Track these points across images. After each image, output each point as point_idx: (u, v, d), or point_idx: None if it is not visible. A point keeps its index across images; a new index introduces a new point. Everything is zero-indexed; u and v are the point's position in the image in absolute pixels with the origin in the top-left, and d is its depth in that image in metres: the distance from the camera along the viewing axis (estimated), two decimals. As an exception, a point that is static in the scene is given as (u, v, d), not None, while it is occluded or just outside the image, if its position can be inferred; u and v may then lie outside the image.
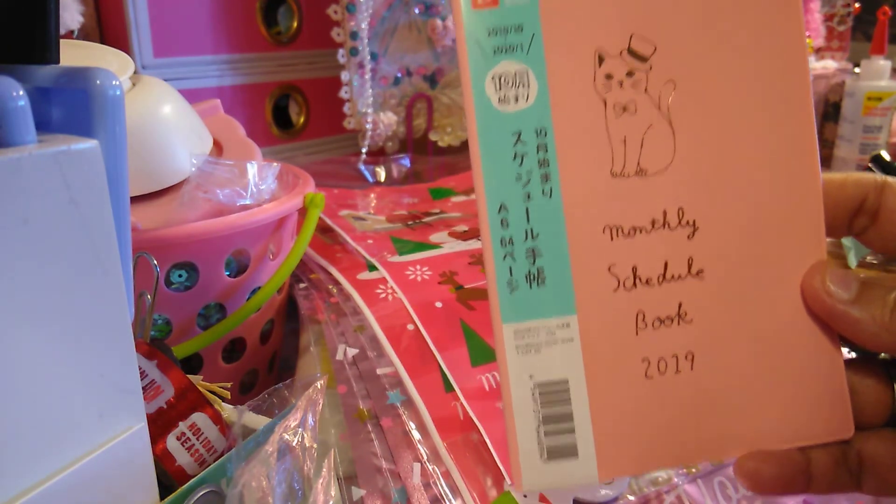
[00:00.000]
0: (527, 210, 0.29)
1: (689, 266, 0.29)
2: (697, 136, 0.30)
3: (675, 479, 0.37)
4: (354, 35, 0.78)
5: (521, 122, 0.29)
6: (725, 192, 0.30)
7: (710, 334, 0.29)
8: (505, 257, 0.29)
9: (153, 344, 0.32)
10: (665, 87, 0.30)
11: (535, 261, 0.29)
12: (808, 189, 0.30)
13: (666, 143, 0.30)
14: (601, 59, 0.30)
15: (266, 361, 0.51)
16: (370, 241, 0.54)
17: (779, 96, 0.30)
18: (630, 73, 0.30)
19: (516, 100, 0.29)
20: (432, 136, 0.88)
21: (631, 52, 0.30)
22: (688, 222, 0.30)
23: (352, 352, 0.42)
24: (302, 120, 0.86)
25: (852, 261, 0.55)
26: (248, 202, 0.44)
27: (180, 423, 0.30)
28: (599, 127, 0.29)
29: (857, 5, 1.19)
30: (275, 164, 0.47)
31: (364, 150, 0.82)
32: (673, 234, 0.29)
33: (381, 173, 0.82)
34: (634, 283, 0.29)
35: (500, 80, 0.29)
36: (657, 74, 0.30)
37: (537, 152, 0.29)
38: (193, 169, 0.45)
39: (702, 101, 0.30)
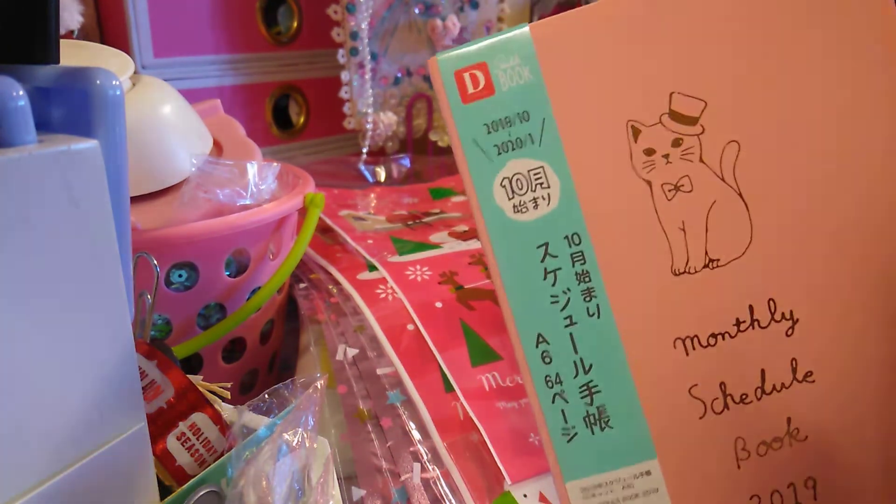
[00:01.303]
0: (571, 338, 0.24)
1: (794, 369, 0.23)
2: (779, 205, 0.23)
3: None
4: (354, 35, 0.78)
5: (546, 231, 0.24)
6: (825, 270, 0.23)
7: (830, 451, 0.23)
8: (554, 399, 0.23)
9: (153, 344, 0.32)
10: (727, 149, 0.24)
11: (592, 399, 0.23)
12: None
13: (739, 220, 0.24)
14: (636, 132, 0.24)
15: (266, 361, 0.51)
16: (370, 241, 0.54)
17: (874, 136, 0.23)
18: (677, 142, 0.24)
19: (535, 205, 0.24)
20: (432, 136, 0.88)
21: (674, 114, 0.24)
22: (783, 315, 0.23)
23: (352, 352, 0.42)
24: (302, 120, 0.86)
25: None
26: (248, 202, 0.44)
27: (180, 423, 0.30)
28: (648, 217, 0.24)
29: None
30: (275, 164, 0.47)
31: (364, 150, 0.82)
32: (766, 332, 0.23)
33: (381, 173, 0.82)
34: (726, 405, 0.23)
35: (511, 184, 0.24)
36: (713, 137, 0.23)
37: (573, 265, 0.24)
38: (193, 169, 0.45)
39: (778, 161, 0.23)
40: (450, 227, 0.58)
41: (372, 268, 0.49)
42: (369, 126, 0.81)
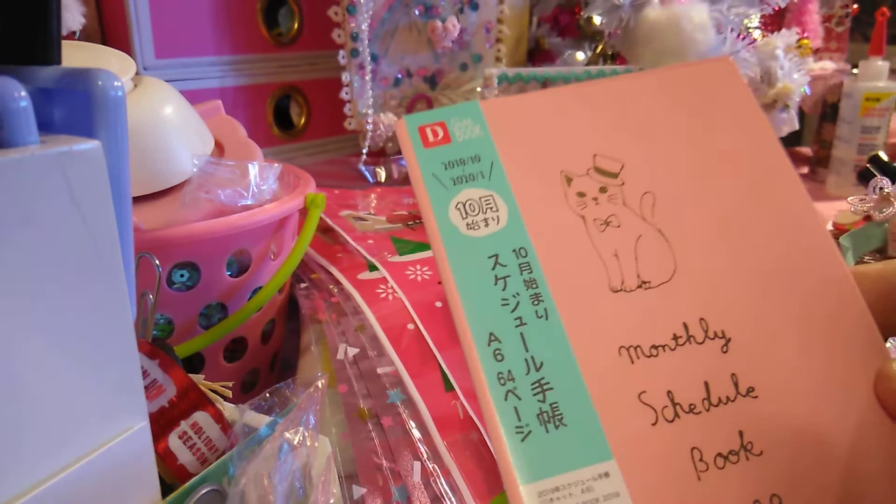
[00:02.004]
0: (522, 337, 0.25)
1: (736, 384, 0.24)
2: (696, 240, 0.27)
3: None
4: (355, 36, 0.78)
5: (495, 244, 0.26)
6: (747, 293, 0.26)
7: (791, 467, 0.23)
8: (507, 396, 0.23)
9: (155, 343, 0.32)
10: (644, 198, 0.28)
11: (545, 396, 0.24)
12: (835, 278, 0.26)
13: (662, 251, 0.27)
14: (569, 180, 0.28)
15: (267, 361, 0.51)
16: (370, 242, 0.54)
17: (766, 186, 0.28)
18: (603, 189, 0.28)
19: (486, 223, 0.27)
20: (433, 137, 0.88)
21: (598, 170, 0.28)
22: (716, 333, 0.25)
23: (352, 351, 0.43)
24: (303, 121, 0.86)
25: (850, 260, 0.55)
26: (249, 202, 0.44)
27: (182, 422, 0.30)
28: (584, 243, 0.27)
29: (855, 6, 1.20)
30: (276, 164, 0.48)
31: (364, 151, 0.82)
32: (703, 348, 0.25)
33: (382, 174, 0.82)
34: (676, 413, 0.24)
35: (464, 207, 0.27)
36: (632, 188, 0.28)
37: (521, 273, 0.26)
38: (195, 169, 0.45)
39: (689, 207, 0.27)
40: (450, 227, 0.58)
41: (372, 268, 0.49)
42: (370, 127, 0.81)
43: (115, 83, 0.23)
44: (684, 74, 0.30)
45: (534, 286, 0.26)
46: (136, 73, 0.46)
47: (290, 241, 0.49)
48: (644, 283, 0.26)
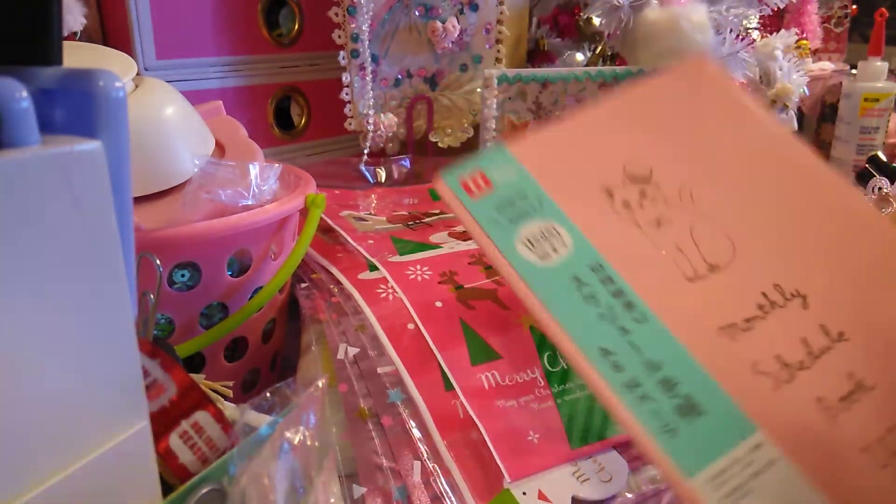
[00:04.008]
0: (631, 343, 0.26)
1: (827, 333, 0.27)
2: (739, 216, 0.29)
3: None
4: (355, 37, 0.78)
5: (571, 267, 0.28)
6: (803, 251, 0.28)
7: None
8: (641, 401, 0.25)
9: (156, 343, 0.32)
10: (682, 193, 0.30)
11: (675, 391, 0.25)
12: (861, 213, 0.30)
13: (716, 234, 0.29)
14: (610, 193, 0.30)
15: (268, 360, 0.51)
16: (371, 242, 0.54)
17: (776, 153, 0.31)
18: (643, 194, 0.30)
19: (555, 250, 0.28)
20: (432, 138, 0.88)
21: (631, 178, 0.30)
22: (792, 294, 0.28)
23: (353, 351, 0.43)
24: (303, 121, 0.86)
25: None
26: (249, 203, 0.44)
27: (183, 422, 0.30)
28: (647, 246, 0.29)
29: (854, 7, 1.20)
30: (276, 164, 0.48)
31: (365, 151, 0.82)
32: (787, 310, 0.27)
33: (382, 174, 0.82)
34: (790, 374, 0.26)
35: (530, 241, 0.29)
36: (666, 186, 0.30)
37: (604, 287, 0.27)
38: (196, 170, 0.45)
39: (721, 189, 0.30)
40: (450, 228, 0.58)
41: (373, 268, 0.49)
42: (370, 127, 0.81)
43: (117, 84, 0.23)
44: (667, 80, 0.33)
45: (621, 296, 0.27)
46: (137, 74, 0.47)
47: (291, 242, 0.49)
48: (713, 266, 0.28)
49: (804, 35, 1.09)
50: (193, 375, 0.32)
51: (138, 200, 0.43)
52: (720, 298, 0.28)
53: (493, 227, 0.29)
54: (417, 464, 0.37)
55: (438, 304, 0.45)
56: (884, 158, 0.68)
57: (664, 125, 0.32)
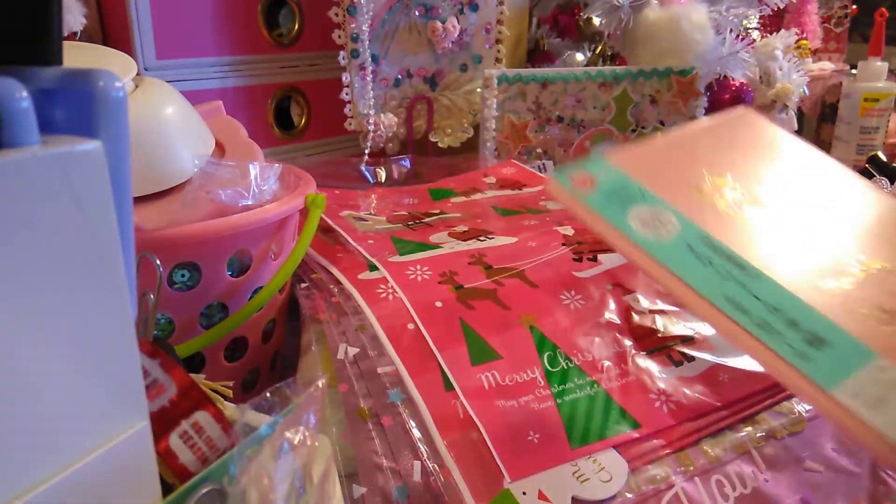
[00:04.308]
0: (751, 294, 0.31)
1: None
2: (807, 209, 0.36)
3: (673, 478, 0.38)
4: (355, 37, 0.78)
5: (684, 240, 0.33)
6: (862, 228, 0.36)
7: None
8: (772, 336, 0.29)
9: (156, 343, 0.32)
10: (756, 192, 0.36)
11: (798, 326, 0.30)
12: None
13: (800, 214, 0.35)
14: (698, 188, 0.36)
15: (268, 360, 0.52)
16: (371, 242, 0.54)
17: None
18: (722, 188, 0.36)
19: (666, 229, 0.33)
20: (432, 138, 0.88)
21: (712, 179, 0.36)
22: (878, 267, 0.33)
23: (353, 351, 0.43)
24: (303, 121, 0.86)
25: None
26: (249, 203, 0.44)
27: (183, 422, 0.30)
28: (742, 222, 0.34)
29: (853, 7, 1.20)
30: (276, 164, 0.48)
31: (365, 152, 0.82)
32: (876, 275, 0.32)
33: (382, 174, 0.82)
34: (893, 318, 0.31)
35: (642, 222, 0.33)
36: (744, 185, 0.36)
37: (716, 253, 0.32)
38: (196, 170, 0.45)
39: (787, 192, 0.37)
40: (450, 228, 0.58)
41: (373, 268, 0.49)
42: (370, 127, 0.81)
43: (117, 84, 0.23)
44: (719, 120, 0.41)
45: (732, 259, 0.32)
46: (137, 74, 0.47)
47: (291, 241, 0.49)
48: (804, 233, 0.34)
49: (804, 35, 1.09)
50: (193, 375, 0.32)
51: (138, 200, 0.43)
52: (817, 260, 0.33)
53: (607, 211, 0.33)
54: (417, 464, 0.37)
55: (438, 304, 0.45)
56: (884, 158, 0.68)
57: (727, 145, 0.39)
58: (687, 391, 0.42)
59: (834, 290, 0.31)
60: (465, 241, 0.54)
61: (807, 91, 0.95)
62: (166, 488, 0.28)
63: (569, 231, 0.55)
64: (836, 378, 0.28)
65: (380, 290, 0.46)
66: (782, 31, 0.94)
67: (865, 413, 0.27)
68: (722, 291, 0.31)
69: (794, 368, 0.28)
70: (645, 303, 0.47)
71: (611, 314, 0.46)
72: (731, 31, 0.85)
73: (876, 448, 0.27)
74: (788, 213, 0.36)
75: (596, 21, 0.90)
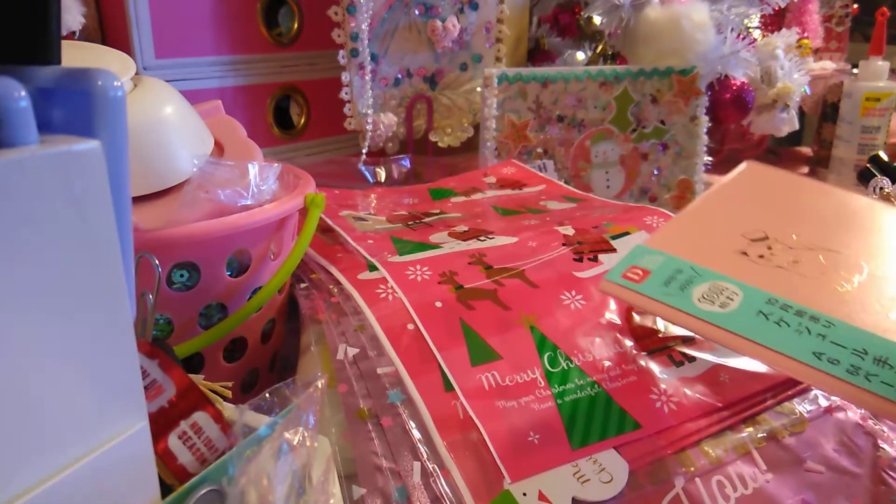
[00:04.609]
0: (833, 343, 0.33)
1: None
2: (840, 236, 0.40)
3: (674, 478, 0.38)
4: (355, 36, 0.78)
5: (752, 306, 0.35)
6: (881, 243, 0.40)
7: None
8: (868, 378, 0.32)
9: (155, 343, 0.32)
10: (798, 239, 0.39)
11: (887, 363, 0.32)
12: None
13: (839, 255, 0.38)
14: (744, 252, 0.38)
15: (267, 361, 0.51)
16: (370, 242, 0.54)
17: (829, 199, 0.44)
18: (770, 248, 0.38)
19: (731, 300, 0.35)
20: (432, 137, 0.88)
21: (752, 241, 0.39)
22: None
23: (352, 351, 0.43)
24: (303, 121, 0.86)
25: None
26: (249, 202, 0.44)
27: (182, 422, 0.30)
28: (796, 277, 0.37)
29: (855, 6, 1.20)
30: (276, 164, 0.48)
31: (364, 151, 0.82)
32: None
33: (382, 174, 0.82)
34: None
35: (706, 298, 0.35)
36: (783, 239, 0.39)
37: (786, 311, 0.34)
38: (195, 169, 0.45)
39: (817, 228, 0.40)
40: (450, 228, 0.58)
41: (372, 268, 0.49)
42: (369, 127, 0.81)
43: (115, 83, 0.23)
44: (734, 179, 0.45)
45: (804, 314, 0.34)
46: (136, 73, 0.47)
47: (290, 241, 0.49)
48: (849, 270, 0.37)
49: (805, 34, 1.09)
50: (192, 376, 0.32)
51: (137, 200, 0.43)
52: (871, 291, 0.36)
53: (669, 297, 0.35)
54: (417, 464, 0.37)
55: (438, 304, 0.45)
56: (885, 158, 0.68)
57: (753, 203, 0.42)
58: (688, 391, 0.41)
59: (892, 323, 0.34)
60: (465, 241, 0.54)
61: (808, 90, 0.95)
62: (165, 489, 0.28)
63: (569, 231, 0.55)
64: None
65: (379, 291, 0.46)
66: (783, 30, 0.94)
67: None
68: (806, 347, 0.33)
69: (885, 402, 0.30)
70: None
71: (611, 314, 0.46)
72: (732, 30, 0.85)
73: None
74: (831, 252, 0.38)
75: (597, 20, 0.89)
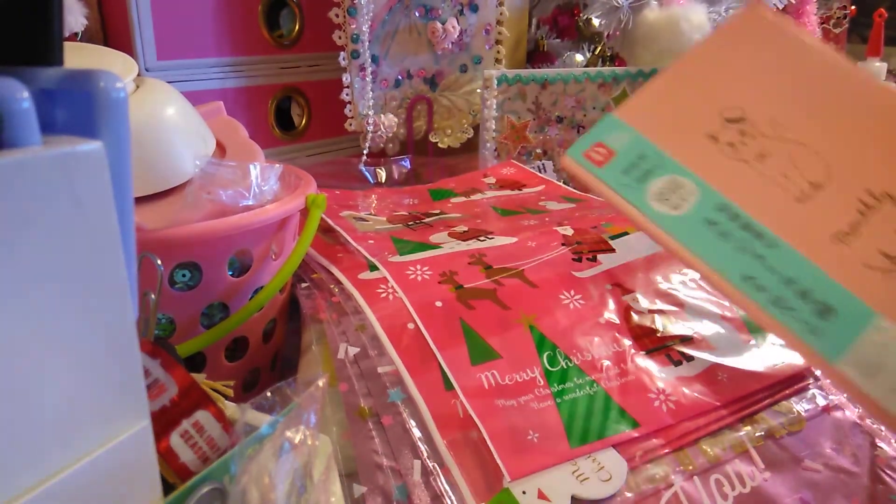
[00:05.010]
0: (767, 267, 0.32)
1: None
2: (824, 136, 0.34)
3: (673, 477, 0.38)
4: (355, 38, 0.78)
5: (702, 212, 0.33)
6: (881, 153, 0.33)
7: None
8: (787, 312, 0.30)
9: (157, 343, 0.32)
10: (773, 124, 0.35)
11: (810, 297, 0.31)
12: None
13: (811, 156, 0.34)
14: (714, 139, 0.35)
15: (268, 360, 0.52)
16: (371, 242, 0.54)
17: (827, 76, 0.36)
18: (742, 132, 0.35)
19: (685, 200, 0.33)
20: (432, 138, 0.88)
21: (728, 121, 0.35)
22: (884, 194, 0.32)
23: (353, 350, 0.43)
24: (304, 122, 0.86)
25: None
26: (250, 203, 0.44)
27: (184, 421, 0.31)
28: (757, 178, 0.34)
29: (852, 8, 1.20)
30: (277, 165, 0.48)
31: (365, 152, 0.82)
32: (881, 210, 0.32)
33: (382, 174, 0.82)
34: (895, 264, 0.31)
35: (660, 195, 0.33)
36: (759, 121, 0.35)
37: (734, 222, 0.32)
38: (197, 170, 0.45)
39: (799, 115, 0.35)
40: (450, 228, 0.58)
41: (373, 268, 0.50)
42: (370, 128, 0.81)
43: (118, 84, 0.23)
44: (732, 29, 0.38)
45: (750, 228, 0.32)
46: (138, 75, 0.47)
47: (291, 242, 0.50)
48: (815, 184, 0.33)
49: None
50: (194, 375, 0.32)
51: (139, 201, 0.43)
52: (827, 211, 0.33)
53: (624, 189, 0.34)
54: (417, 463, 0.37)
55: (438, 304, 0.45)
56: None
57: (742, 69, 0.36)
58: (686, 391, 0.42)
59: (843, 239, 0.32)
60: (465, 241, 0.55)
61: (807, 91, 0.95)
62: (167, 487, 0.28)
63: (568, 231, 0.55)
64: (840, 349, 0.29)
65: (380, 290, 0.47)
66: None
67: (864, 383, 0.28)
68: (739, 269, 0.32)
69: (805, 344, 0.29)
70: (644, 302, 0.47)
71: (610, 314, 0.46)
72: (730, 31, 0.85)
73: (879, 418, 0.29)
74: (802, 148, 0.35)
75: (595, 22, 0.90)
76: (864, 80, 0.36)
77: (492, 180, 0.75)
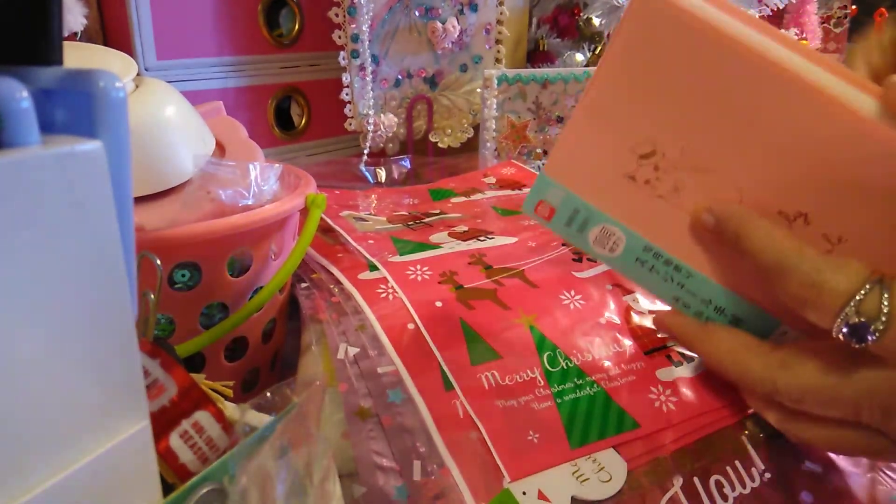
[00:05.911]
0: (688, 291, 0.40)
1: (828, 239, 0.35)
2: (736, 156, 0.36)
3: (673, 478, 0.38)
4: (355, 38, 0.78)
5: (632, 253, 0.39)
6: (798, 171, 0.35)
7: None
8: (706, 323, 0.40)
9: (156, 343, 0.32)
10: (684, 153, 0.37)
11: (724, 312, 0.39)
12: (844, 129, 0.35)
13: (724, 183, 0.37)
14: (632, 178, 0.38)
15: (268, 360, 0.52)
16: (371, 242, 0.54)
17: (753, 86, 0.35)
18: (656, 168, 0.37)
19: (617, 245, 0.39)
20: (432, 138, 0.88)
21: (641, 157, 0.37)
22: (795, 215, 0.36)
23: (353, 350, 0.43)
24: (303, 121, 0.86)
25: None
26: (250, 203, 0.44)
27: (183, 422, 0.31)
28: (676, 213, 0.38)
29: (853, 7, 1.20)
30: (277, 165, 0.48)
31: (365, 152, 0.82)
32: (793, 229, 0.36)
33: (382, 174, 0.82)
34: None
35: (598, 241, 0.40)
36: (670, 153, 0.37)
37: (657, 259, 0.39)
38: (196, 170, 0.45)
39: (714, 139, 0.36)
40: (450, 228, 0.58)
41: (373, 267, 0.49)
42: (370, 127, 0.81)
43: (117, 84, 0.23)
44: (626, 35, 0.36)
45: (670, 263, 0.39)
46: (138, 74, 0.47)
47: (291, 242, 0.50)
48: (717, 186, 0.37)
49: (804, 35, 1.09)
50: (194, 375, 0.32)
51: (139, 200, 0.43)
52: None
53: (572, 238, 0.40)
54: (417, 463, 0.37)
55: (438, 304, 0.45)
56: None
57: (646, 90, 0.36)
58: (686, 391, 0.42)
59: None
60: (465, 241, 0.55)
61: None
62: (167, 488, 0.28)
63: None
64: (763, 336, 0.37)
65: (380, 290, 0.47)
66: (782, 31, 0.94)
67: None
68: (669, 293, 0.40)
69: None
70: (644, 303, 0.47)
71: (610, 314, 0.46)
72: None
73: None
74: (713, 175, 0.37)
75: (596, 21, 0.90)
76: (778, 73, 0.33)
77: (492, 180, 0.75)
